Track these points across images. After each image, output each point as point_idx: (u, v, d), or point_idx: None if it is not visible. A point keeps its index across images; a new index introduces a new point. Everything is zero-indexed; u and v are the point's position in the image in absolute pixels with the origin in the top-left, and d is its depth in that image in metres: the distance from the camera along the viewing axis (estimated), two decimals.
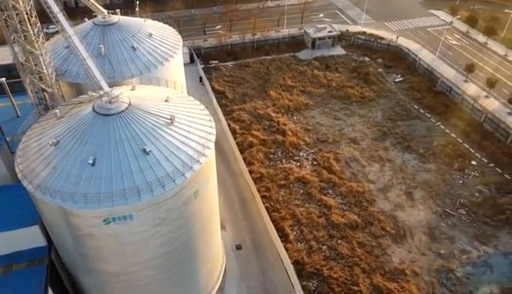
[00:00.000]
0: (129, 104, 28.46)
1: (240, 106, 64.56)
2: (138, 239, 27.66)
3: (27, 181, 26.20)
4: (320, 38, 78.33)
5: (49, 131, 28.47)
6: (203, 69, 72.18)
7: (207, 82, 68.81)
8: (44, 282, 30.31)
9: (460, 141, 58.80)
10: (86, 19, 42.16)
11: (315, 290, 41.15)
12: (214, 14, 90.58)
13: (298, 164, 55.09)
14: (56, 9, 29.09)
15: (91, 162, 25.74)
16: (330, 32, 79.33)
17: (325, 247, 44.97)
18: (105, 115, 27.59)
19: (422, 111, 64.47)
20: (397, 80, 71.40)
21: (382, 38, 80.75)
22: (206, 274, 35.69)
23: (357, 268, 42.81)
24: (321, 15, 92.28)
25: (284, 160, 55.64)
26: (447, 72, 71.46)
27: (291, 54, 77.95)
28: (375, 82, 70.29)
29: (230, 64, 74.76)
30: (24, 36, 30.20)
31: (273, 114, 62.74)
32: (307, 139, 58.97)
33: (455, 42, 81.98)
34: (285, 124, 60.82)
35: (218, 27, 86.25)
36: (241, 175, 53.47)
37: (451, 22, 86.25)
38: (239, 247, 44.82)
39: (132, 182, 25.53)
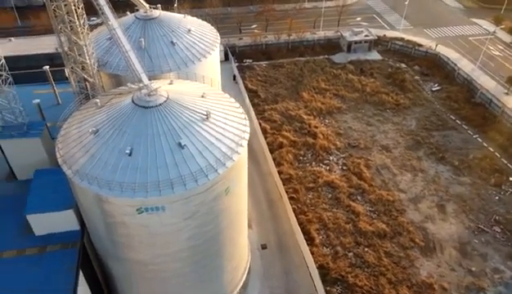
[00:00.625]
0: (167, 98, 28.88)
1: (272, 106, 64.51)
2: (168, 231, 28.04)
3: (66, 167, 27.01)
4: (356, 42, 77.27)
5: (89, 120, 29.26)
6: (237, 67, 72.58)
7: (240, 81, 69.11)
8: (76, 265, 31.22)
9: (498, 156, 56.62)
10: (128, 12, 43.13)
11: None
12: (250, 13, 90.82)
13: (328, 168, 54.51)
14: (102, 1, 29.85)
15: (128, 152, 26.27)
16: (366, 36, 78.14)
17: (351, 254, 44.29)
18: (144, 107, 28.10)
19: (459, 122, 62.49)
20: (434, 89, 69.50)
21: (420, 45, 78.86)
22: (231, 271, 35.82)
23: (382, 278, 41.94)
24: (359, 18, 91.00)
25: (313, 163, 55.19)
26: (487, 83, 69.04)
27: (326, 56, 77.24)
28: (411, 90, 68.68)
29: (264, 63, 74.83)
30: (71, 26, 31.17)
31: (305, 116, 62.33)
32: (338, 143, 58.27)
33: (497, 53, 79.11)
34: (316, 127, 60.31)
35: (254, 26, 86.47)
36: (270, 175, 53.41)
37: (494, 32, 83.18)
38: (264, 247, 44.78)
39: (167, 174, 25.88)
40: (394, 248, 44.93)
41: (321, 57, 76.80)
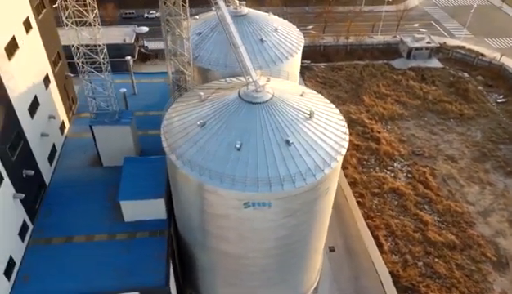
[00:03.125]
0: (273, 95, 29.08)
1: None
2: (268, 227, 28.27)
3: (175, 156, 27.56)
4: (417, 48, 75.98)
5: (192, 112, 29.77)
6: None
7: (301, 81, 69.02)
8: (166, 253, 31.85)
9: None
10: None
11: None
12: (306, 13, 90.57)
13: (393, 175, 53.86)
14: None
15: (238, 146, 26.59)
16: (428, 42, 76.77)
17: (420, 263, 43.69)
18: (251, 103, 28.38)
19: None
20: (499, 100, 67.66)
21: (483, 55, 76.86)
22: (310, 271, 35.90)
23: (455, 290, 41.25)
24: (416, 24, 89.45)
25: (377, 168, 54.65)
26: None
27: (385, 61, 76.34)
28: (475, 100, 67.08)
29: (322, 65, 74.56)
30: (176, 19, 31.80)
31: (367, 120, 61.77)
32: (401, 150, 57.48)
33: None
34: (379, 132, 59.68)
35: (310, 27, 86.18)
36: None
37: None
38: (332, 249, 44.62)
39: (276, 171, 26.07)
40: (465, 261, 44.05)
41: (380, 62, 75.95)
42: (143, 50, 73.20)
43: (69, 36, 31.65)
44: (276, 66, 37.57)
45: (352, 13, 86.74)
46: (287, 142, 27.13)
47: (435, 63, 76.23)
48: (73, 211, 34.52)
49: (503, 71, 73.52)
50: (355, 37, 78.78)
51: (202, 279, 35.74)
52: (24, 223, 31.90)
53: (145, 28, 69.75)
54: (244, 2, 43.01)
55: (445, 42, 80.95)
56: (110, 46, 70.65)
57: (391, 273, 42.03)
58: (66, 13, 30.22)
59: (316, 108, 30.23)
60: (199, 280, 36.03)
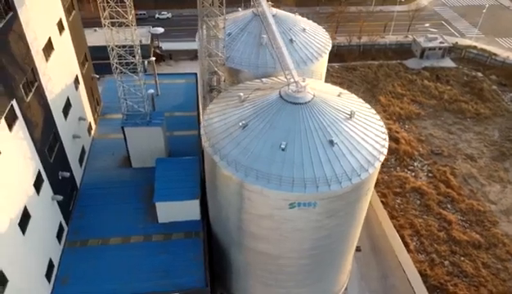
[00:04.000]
0: (314, 96, 29.13)
1: None
2: (310, 227, 28.32)
3: (219, 157, 27.56)
4: (430, 48, 76.22)
5: (233, 112, 29.76)
6: None
7: None
8: (203, 254, 31.86)
9: None
10: (239, 8, 43.79)
11: None
12: (318, 14, 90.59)
13: (413, 174, 54.01)
14: None
15: (283, 146, 26.62)
16: (441, 42, 77.02)
17: (447, 263, 43.83)
18: (294, 103, 28.42)
19: None
20: None
21: (495, 54, 77.19)
22: (343, 270, 35.98)
23: (483, 289, 41.38)
24: (427, 24, 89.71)
25: (398, 168, 54.78)
26: None
27: (398, 61, 76.53)
28: (490, 100, 67.37)
29: (336, 65, 74.61)
30: (213, 20, 31.82)
31: (384, 120, 61.69)
32: (420, 149, 57.65)
33: None
34: (397, 132, 59.79)
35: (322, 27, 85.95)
36: None
37: None
38: (358, 249, 44.51)
39: (322, 171, 26.12)
40: (491, 260, 44.21)
41: (394, 62, 76.15)
42: (158, 51, 73.12)
43: (106, 37, 31.54)
44: (307, 66, 37.66)
45: (364, 13, 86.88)
46: (331, 142, 27.19)
47: (448, 63, 76.49)
48: (106, 212, 34.51)
49: None
50: (368, 37, 78.93)
51: (235, 280, 35.72)
52: (61, 225, 31.84)
53: (161, 29, 69.83)
54: (270, 4, 43.18)
55: (457, 42, 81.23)
56: (120, 48, 70.55)
57: (418, 272, 42.12)
58: (104, 14, 30.17)
59: (354, 108, 30.32)
60: (232, 281, 36.02)
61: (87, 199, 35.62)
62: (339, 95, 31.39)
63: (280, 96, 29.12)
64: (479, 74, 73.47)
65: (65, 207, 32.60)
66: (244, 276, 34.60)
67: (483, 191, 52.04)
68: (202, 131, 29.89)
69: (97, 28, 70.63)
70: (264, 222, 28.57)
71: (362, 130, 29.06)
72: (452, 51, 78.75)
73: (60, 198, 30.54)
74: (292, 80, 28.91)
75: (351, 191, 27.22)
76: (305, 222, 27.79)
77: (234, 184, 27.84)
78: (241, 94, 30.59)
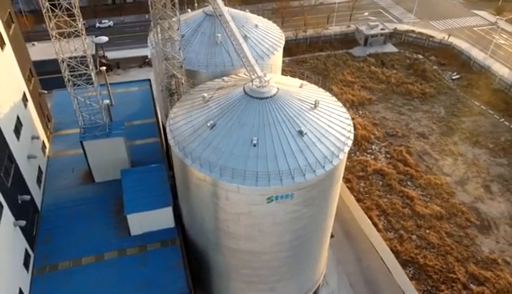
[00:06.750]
0: (278, 89, 29.36)
1: None
2: (289, 219, 28.53)
3: (190, 160, 27.06)
4: (373, 36, 79.42)
5: (199, 114, 29.34)
6: None
7: None
8: (183, 261, 31.19)
9: None
10: (189, 10, 43.19)
11: (412, 277, 42.07)
12: (262, 10, 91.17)
13: (373, 157, 56.09)
14: None
15: (255, 142, 26.61)
16: (382, 29, 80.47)
17: (414, 237, 45.95)
18: (259, 98, 28.48)
19: (484, 108, 65.52)
20: (453, 77, 72.48)
21: (432, 37, 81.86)
22: (322, 257, 36.64)
23: (450, 257, 43.80)
24: (366, 13, 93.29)
25: (358, 153, 56.62)
26: (502, 70, 72.61)
27: (345, 50, 79.07)
28: (433, 79, 71.39)
29: (286, 59, 75.56)
30: (167, 22, 31.11)
31: None
32: (376, 133, 59.98)
33: (503, 42, 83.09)
34: (352, 118, 60.74)
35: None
36: None
37: (496, 22, 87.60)
38: (331, 236, 45.48)
39: (296, 162, 26.41)
40: (453, 228, 46.91)
41: (341, 51, 78.58)
42: (104, 60, 70.45)
43: (55, 48, 29.90)
44: (264, 61, 37.89)
45: (307, 7, 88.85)
46: (300, 133, 27.56)
47: (390, 48, 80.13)
48: (73, 232, 32.83)
49: (452, 50, 78.80)
50: (313, 30, 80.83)
51: (216, 281, 35.28)
52: (27, 252, 29.87)
53: (105, 38, 67.26)
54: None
55: (396, 28, 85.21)
56: (71, 59, 67.36)
57: (390, 249, 43.84)
58: (51, 24, 28.58)
59: (317, 97, 30.93)
60: (212, 282, 35.54)
61: (51, 221, 33.65)
62: (300, 87, 31.90)
63: (245, 93, 29.08)
64: (420, 56, 77.62)
65: (28, 233, 30.63)
66: (226, 276, 34.25)
67: (438, 165, 55.10)
68: (169, 136, 29.19)
69: (35, 43, 67.08)
70: (242, 219, 28.42)
71: (328, 117, 29.73)
72: (393, 36, 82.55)
73: (22, 223, 28.62)
74: (255, 76, 28.95)
75: (325, 178, 27.76)
76: (283, 214, 27.97)
77: (208, 185, 27.48)
78: (205, 94, 30.22)
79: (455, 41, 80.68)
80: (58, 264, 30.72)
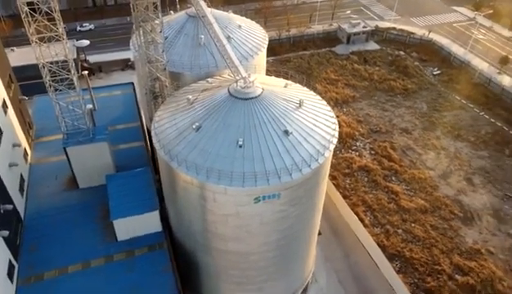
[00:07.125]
0: (263, 89, 29.44)
1: None
2: (276, 218, 28.67)
3: (176, 163, 26.95)
4: (355, 34, 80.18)
5: (184, 116, 29.25)
6: None
7: None
8: (171, 265, 31.05)
9: (506, 129, 61.27)
10: (171, 12, 42.98)
11: (399, 271, 42.70)
12: (244, 11, 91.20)
13: (358, 153, 56.67)
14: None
15: (240, 143, 26.66)
16: (364, 27, 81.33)
17: (400, 231, 46.63)
18: (244, 99, 28.54)
19: (464, 102, 66.81)
20: (434, 73, 73.71)
21: (413, 33, 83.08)
22: (311, 256, 36.89)
23: (435, 249, 44.58)
24: (348, 11, 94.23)
25: (343, 150, 57.14)
26: (481, 65, 74.16)
27: (328, 49, 79.67)
28: (415, 75, 72.48)
29: (270, 59, 75.71)
30: (150, 25, 30.92)
31: None
32: (360, 129, 60.62)
33: (481, 37, 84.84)
34: (337, 116, 61.45)
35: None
36: None
37: (475, 17, 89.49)
38: (319, 233, 45.79)
39: (282, 162, 26.56)
40: (438, 221, 47.76)
41: (324, 50, 79.15)
42: (86, 64, 69.50)
43: (35, 53, 29.42)
44: (248, 62, 37.93)
45: (290, 6, 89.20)
46: (286, 132, 27.72)
47: (373, 45, 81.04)
48: (58, 240, 32.34)
49: (432, 46, 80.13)
50: (296, 29, 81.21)
51: (204, 282, 35.23)
52: (11, 262, 29.31)
53: (87, 42, 65.89)
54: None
55: (377, 25, 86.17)
56: (52, 64, 66.36)
57: (377, 244, 44.40)
58: (31, 29, 28.09)
59: (302, 97, 31.13)
60: (201, 284, 35.47)
61: (35, 230, 33.06)
62: (285, 87, 32.05)
63: (230, 94, 29.10)
64: (402, 53, 78.71)
65: (12, 243, 30.02)
66: (215, 277, 34.24)
67: (421, 160, 56.00)
68: (154, 139, 29.02)
69: (15, 48, 65.78)
70: (230, 221, 28.46)
71: (313, 116, 29.96)
72: (375, 34, 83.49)
73: (5, 233, 28.09)
74: (239, 76, 28.98)
75: (311, 177, 27.98)
76: (270, 214, 28.09)
77: (195, 187, 27.44)
78: (189, 96, 30.13)
79: (436, 37, 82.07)
80: (44, 273, 30.20)
